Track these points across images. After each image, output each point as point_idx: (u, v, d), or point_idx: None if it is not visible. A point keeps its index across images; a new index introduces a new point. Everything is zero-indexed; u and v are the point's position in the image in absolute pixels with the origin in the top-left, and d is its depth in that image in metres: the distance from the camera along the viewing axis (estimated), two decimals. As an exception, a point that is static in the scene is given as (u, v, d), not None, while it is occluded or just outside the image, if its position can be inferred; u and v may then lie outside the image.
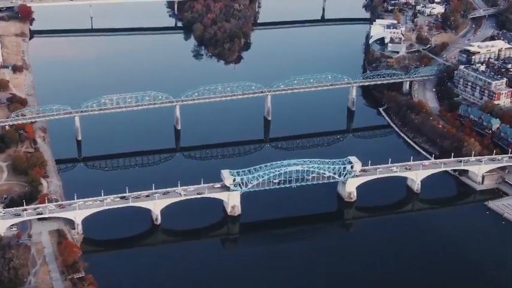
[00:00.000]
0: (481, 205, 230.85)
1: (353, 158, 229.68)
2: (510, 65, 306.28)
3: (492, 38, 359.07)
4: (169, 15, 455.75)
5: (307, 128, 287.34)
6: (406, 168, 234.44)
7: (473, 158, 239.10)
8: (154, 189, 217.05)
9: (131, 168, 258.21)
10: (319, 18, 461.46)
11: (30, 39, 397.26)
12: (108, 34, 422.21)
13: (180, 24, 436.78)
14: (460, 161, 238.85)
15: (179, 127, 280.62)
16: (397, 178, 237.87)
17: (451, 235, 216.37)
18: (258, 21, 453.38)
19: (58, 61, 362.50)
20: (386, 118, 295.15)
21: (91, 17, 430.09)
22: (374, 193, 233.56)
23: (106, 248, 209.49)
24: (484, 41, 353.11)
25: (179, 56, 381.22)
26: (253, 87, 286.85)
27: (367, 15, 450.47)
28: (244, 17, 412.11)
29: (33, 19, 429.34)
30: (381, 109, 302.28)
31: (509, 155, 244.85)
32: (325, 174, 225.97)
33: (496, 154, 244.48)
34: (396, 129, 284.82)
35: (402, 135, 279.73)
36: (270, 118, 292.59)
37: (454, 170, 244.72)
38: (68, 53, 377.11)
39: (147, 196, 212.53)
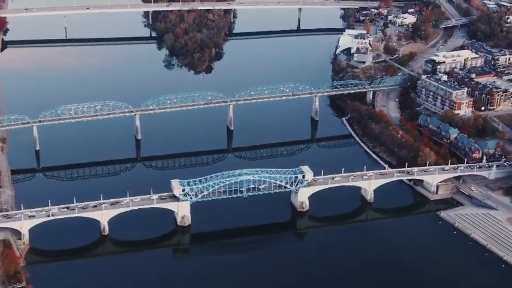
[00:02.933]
0: (434, 215, 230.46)
1: (305, 168, 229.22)
2: (474, 74, 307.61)
3: (462, 48, 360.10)
4: (145, 26, 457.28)
5: (270, 138, 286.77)
6: (359, 178, 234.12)
7: (425, 168, 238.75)
8: (103, 199, 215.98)
9: (91, 178, 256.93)
10: (295, 28, 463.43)
11: (2, 49, 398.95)
12: (82, 44, 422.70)
13: (154, 34, 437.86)
14: (413, 171, 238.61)
15: (139, 137, 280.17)
16: (352, 188, 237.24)
17: (401, 245, 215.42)
18: (234, 32, 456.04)
19: (28, 71, 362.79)
20: (349, 128, 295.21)
21: (65, 28, 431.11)
22: (328, 203, 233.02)
23: (52, 259, 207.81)
24: (454, 50, 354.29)
25: (150, 66, 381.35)
26: (215, 97, 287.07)
27: (344, 25, 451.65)
28: (217, 27, 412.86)
29: (8, 29, 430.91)
30: (343, 119, 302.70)
31: (464, 164, 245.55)
32: (276, 183, 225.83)
33: (452, 164, 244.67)
34: (357, 139, 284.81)
35: (362, 145, 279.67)
36: (232, 128, 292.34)
37: (410, 180, 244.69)
38: (39, 64, 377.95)
39: (95, 206, 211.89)
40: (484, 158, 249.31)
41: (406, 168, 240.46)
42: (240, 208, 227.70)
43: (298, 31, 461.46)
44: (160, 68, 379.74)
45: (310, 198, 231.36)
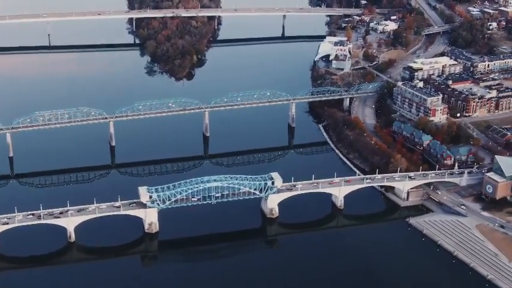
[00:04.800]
0: (403, 222, 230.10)
1: (274, 174, 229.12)
2: (451, 81, 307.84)
3: (442, 55, 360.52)
4: (129, 32, 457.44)
5: (247, 145, 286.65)
6: (329, 185, 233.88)
7: (396, 175, 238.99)
8: (74, 206, 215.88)
9: (65, 185, 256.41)
10: (280, 35, 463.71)
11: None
12: (66, 51, 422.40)
13: (138, 41, 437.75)
14: (383, 178, 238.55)
15: (113, 143, 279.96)
16: (323, 194, 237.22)
17: (369, 252, 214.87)
18: (218, 39, 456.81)
19: (4, 78, 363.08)
20: (325, 134, 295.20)
21: (48, 34, 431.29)
22: (299, 209, 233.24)
23: (18, 266, 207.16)
24: (434, 57, 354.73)
25: (131, 72, 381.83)
26: (191, 104, 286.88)
27: (326, 32, 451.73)
28: (200, 34, 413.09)
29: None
30: (320, 125, 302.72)
31: (435, 171, 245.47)
32: (245, 190, 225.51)
33: (423, 170, 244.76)
34: (332, 145, 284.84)
35: (337, 151, 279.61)
36: (208, 134, 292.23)
37: (381, 186, 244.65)
38: (17, 70, 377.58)
39: (61, 213, 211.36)
40: (456, 164, 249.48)
41: (371, 175, 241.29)
42: (209, 215, 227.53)
43: (283, 38, 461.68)
44: (141, 74, 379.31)
45: (280, 204, 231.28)
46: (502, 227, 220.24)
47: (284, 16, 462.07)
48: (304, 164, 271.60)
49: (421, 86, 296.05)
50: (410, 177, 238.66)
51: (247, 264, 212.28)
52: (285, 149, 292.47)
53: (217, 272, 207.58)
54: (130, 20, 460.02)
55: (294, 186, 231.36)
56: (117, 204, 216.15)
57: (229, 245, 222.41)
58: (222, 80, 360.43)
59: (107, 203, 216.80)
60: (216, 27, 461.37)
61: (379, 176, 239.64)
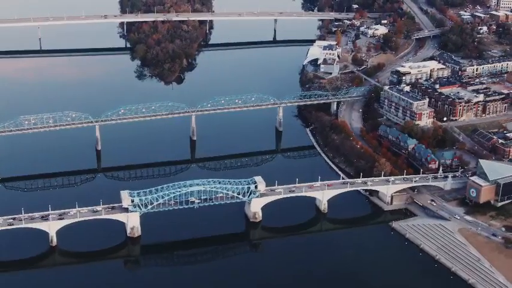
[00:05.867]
0: (387, 226, 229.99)
1: (258, 178, 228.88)
2: (438, 85, 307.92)
3: (432, 59, 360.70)
4: (120, 36, 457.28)
5: (234, 149, 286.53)
6: (312, 188, 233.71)
7: (377, 179, 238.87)
8: (58, 210, 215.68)
9: (51, 189, 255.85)
10: (271, 39, 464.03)
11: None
12: (57, 55, 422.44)
13: (129, 45, 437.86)
14: (366, 182, 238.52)
15: (99, 147, 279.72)
16: (307, 198, 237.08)
17: (352, 256, 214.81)
18: (210, 42, 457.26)
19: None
20: (311, 138, 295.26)
21: (39, 39, 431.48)
22: (283, 213, 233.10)
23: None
24: (424, 61, 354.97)
25: (121, 76, 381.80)
26: (177, 107, 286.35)
27: (316, 36, 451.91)
28: (191, 38, 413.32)
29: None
30: (307, 129, 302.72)
31: (419, 175, 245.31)
32: (228, 194, 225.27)
33: (408, 174, 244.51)
34: (318, 149, 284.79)
35: (323, 155, 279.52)
36: (195, 138, 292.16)
37: (365, 190, 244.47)
38: (8, 74, 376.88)
39: (42, 217, 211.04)
40: (441, 168, 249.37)
41: (353, 179, 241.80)
42: (192, 219, 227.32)
43: (274, 42, 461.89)
44: (130, 78, 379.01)
45: (264, 208, 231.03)
46: (494, 235, 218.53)
47: (275, 20, 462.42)
48: (290, 168, 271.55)
49: (408, 90, 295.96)
50: (392, 181, 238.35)
51: (230, 268, 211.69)
52: (272, 153, 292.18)
53: (200, 276, 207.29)
54: (121, 24, 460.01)
55: (277, 190, 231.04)
56: (99, 208, 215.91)
57: (212, 249, 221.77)
58: (211, 84, 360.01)
59: (89, 207, 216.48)
60: (207, 32, 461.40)
61: (359, 180, 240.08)
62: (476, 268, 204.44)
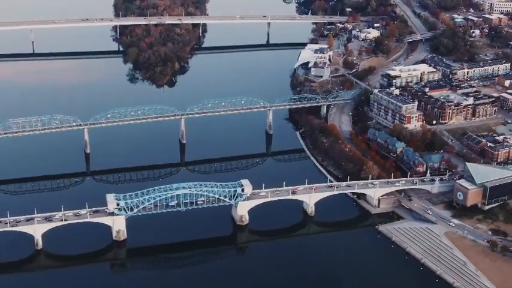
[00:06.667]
0: (373, 229, 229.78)
1: (244, 181, 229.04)
2: (428, 88, 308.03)
3: (423, 62, 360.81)
4: (113, 40, 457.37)
5: (224, 152, 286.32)
6: (299, 191, 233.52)
7: (361, 182, 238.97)
8: (45, 213, 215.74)
9: (39, 192, 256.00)
10: (265, 42, 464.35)
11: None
12: (50, 59, 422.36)
13: (121, 48, 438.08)
14: (349, 185, 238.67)
15: (88, 151, 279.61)
16: (294, 201, 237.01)
17: (339, 259, 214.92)
18: (203, 46, 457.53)
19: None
20: (301, 142, 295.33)
21: (32, 42, 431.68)
22: (270, 216, 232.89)
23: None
24: (415, 64, 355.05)
25: (112, 79, 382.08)
26: (167, 111, 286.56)
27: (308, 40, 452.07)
28: (183, 42, 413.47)
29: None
30: (297, 133, 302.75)
31: (406, 178, 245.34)
32: (215, 197, 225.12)
33: (396, 177, 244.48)
34: (308, 152, 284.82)
35: (312, 158, 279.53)
36: (184, 141, 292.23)
37: (353, 193, 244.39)
38: (1, 78, 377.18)
39: (28, 220, 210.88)
40: (428, 172, 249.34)
41: (339, 183, 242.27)
42: (179, 222, 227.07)
43: (268, 45, 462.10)
44: (122, 81, 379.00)
45: (251, 212, 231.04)
46: (489, 242, 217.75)
47: (269, 24, 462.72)
48: (279, 171, 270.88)
49: (398, 93, 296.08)
50: (378, 184, 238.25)
51: (217, 271, 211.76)
52: (262, 156, 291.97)
53: (186, 279, 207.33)
54: (115, 28, 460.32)
55: (264, 193, 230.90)
56: (85, 211, 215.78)
57: (199, 252, 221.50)
58: (202, 87, 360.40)
59: (74, 211, 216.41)
60: (201, 35, 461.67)
61: (344, 183, 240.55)
62: (462, 272, 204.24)
